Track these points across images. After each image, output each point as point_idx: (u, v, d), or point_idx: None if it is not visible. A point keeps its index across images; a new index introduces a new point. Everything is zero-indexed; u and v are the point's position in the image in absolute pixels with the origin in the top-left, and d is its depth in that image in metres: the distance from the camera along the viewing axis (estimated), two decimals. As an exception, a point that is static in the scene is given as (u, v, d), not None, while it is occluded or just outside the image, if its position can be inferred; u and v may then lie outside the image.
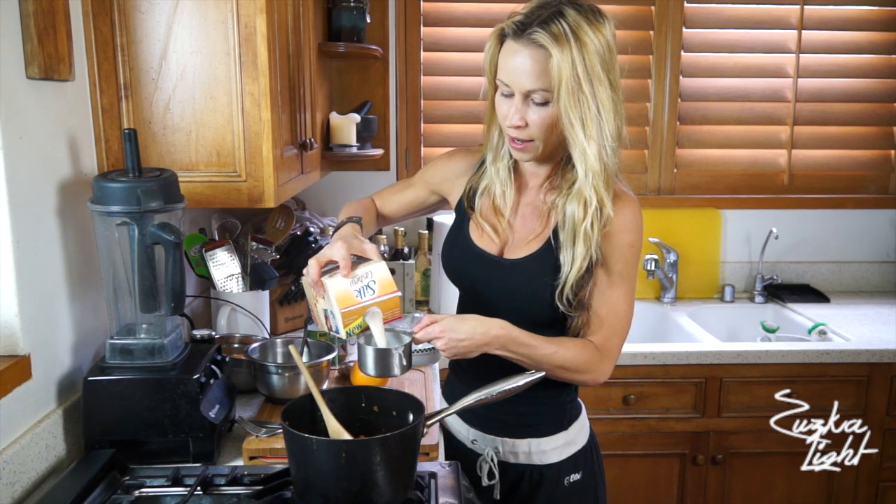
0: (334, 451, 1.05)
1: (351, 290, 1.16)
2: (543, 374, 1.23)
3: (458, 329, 1.20)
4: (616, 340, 1.30)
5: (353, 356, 1.79)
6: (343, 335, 1.17)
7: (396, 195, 1.54)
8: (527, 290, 1.30)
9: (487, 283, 1.35)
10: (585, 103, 1.16)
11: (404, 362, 1.18)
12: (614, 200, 1.25)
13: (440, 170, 1.48)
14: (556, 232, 1.28)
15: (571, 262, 1.24)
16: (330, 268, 1.20)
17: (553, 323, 1.31)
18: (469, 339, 1.20)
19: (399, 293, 1.19)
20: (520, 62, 1.18)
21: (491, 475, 1.38)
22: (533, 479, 1.39)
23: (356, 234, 1.25)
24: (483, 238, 1.36)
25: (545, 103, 1.19)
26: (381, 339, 1.17)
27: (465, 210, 1.40)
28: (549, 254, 1.28)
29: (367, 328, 1.17)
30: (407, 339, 1.19)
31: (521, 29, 1.17)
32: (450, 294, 2.30)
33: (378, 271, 1.18)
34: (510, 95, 1.22)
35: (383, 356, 1.17)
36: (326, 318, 1.21)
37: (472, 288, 1.41)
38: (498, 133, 1.33)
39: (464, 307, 1.45)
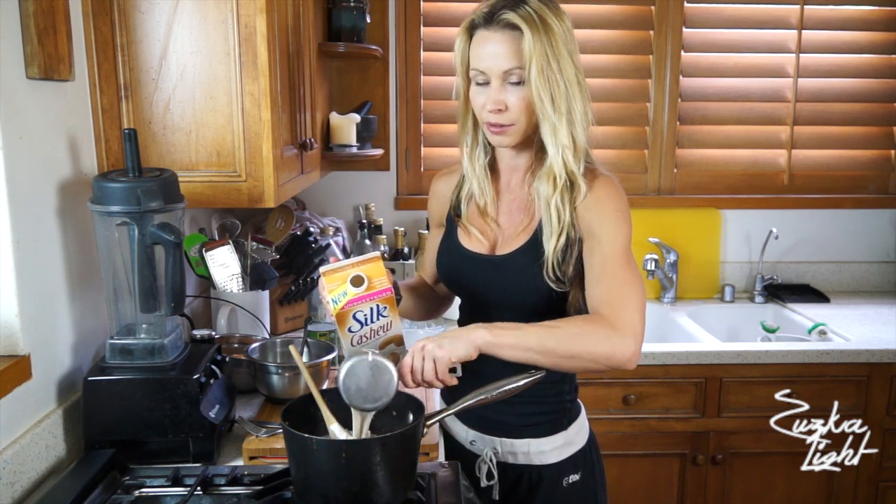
0: (334, 451, 1.05)
1: (338, 262, 1.19)
2: (544, 373, 1.22)
3: (428, 345, 1.15)
4: (629, 310, 1.20)
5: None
6: (332, 311, 1.15)
7: (426, 256, 1.56)
8: (521, 283, 1.30)
9: (482, 283, 1.35)
10: (554, 80, 1.21)
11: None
12: (591, 179, 1.27)
13: (433, 203, 1.50)
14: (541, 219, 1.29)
15: (550, 237, 1.26)
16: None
17: (552, 313, 1.31)
18: (443, 337, 1.16)
19: (379, 254, 1.19)
20: (493, 47, 1.23)
21: (490, 476, 1.38)
22: (532, 479, 1.39)
23: None
24: (472, 241, 1.37)
25: (521, 83, 1.23)
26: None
27: (452, 219, 1.42)
28: (537, 243, 1.29)
29: (354, 298, 1.14)
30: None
31: (491, 16, 1.23)
32: (450, 294, 2.31)
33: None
34: (486, 83, 1.25)
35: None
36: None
37: (468, 290, 1.41)
38: (471, 134, 1.35)
39: (463, 312, 1.46)
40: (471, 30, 1.26)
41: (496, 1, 1.23)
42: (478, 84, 1.26)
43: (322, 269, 1.18)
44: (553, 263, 1.26)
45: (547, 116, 1.22)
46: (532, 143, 1.31)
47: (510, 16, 1.20)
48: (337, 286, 1.15)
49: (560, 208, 1.25)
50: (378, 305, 1.17)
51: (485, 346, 1.16)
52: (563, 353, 1.18)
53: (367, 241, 2.48)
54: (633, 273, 1.25)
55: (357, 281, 1.16)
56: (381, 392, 1.10)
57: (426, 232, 2.51)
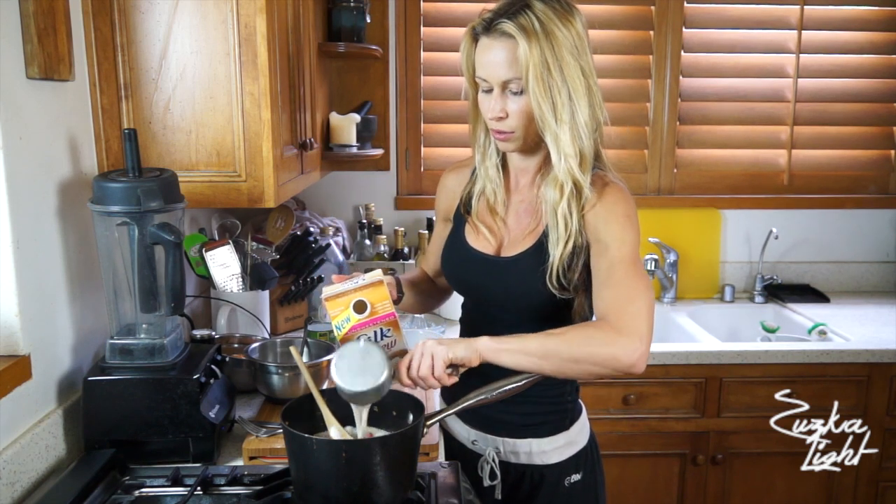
0: (334, 451, 1.05)
1: (339, 284, 1.18)
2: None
3: (430, 342, 1.16)
4: (634, 314, 1.18)
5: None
6: (337, 336, 1.17)
7: (430, 249, 1.56)
8: (525, 286, 1.30)
9: (487, 284, 1.35)
10: (556, 88, 1.19)
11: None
12: (600, 186, 1.26)
13: (441, 197, 1.50)
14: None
15: (556, 243, 1.25)
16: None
17: (556, 316, 1.30)
18: (447, 339, 1.17)
19: (381, 277, 1.18)
20: (492, 56, 1.21)
21: (493, 475, 1.38)
22: (534, 479, 1.39)
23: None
24: (479, 240, 1.37)
25: (521, 92, 1.22)
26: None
27: (461, 216, 1.41)
28: (542, 247, 1.28)
29: (357, 324, 1.16)
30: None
31: (490, 24, 1.21)
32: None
33: (370, 274, 1.18)
34: (490, 91, 1.25)
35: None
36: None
37: (472, 290, 1.41)
38: (484, 132, 1.35)
39: (467, 311, 1.46)
40: (474, 36, 1.25)
41: (500, 6, 1.22)
42: (483, 90, 1.26)
43: (324, 292, 1.18)
44: (558, 271, 1.25)
45: (548, 125, 1.21)
46: (541, 146, 1.30)
47: (507, 26, 1.18)
48: (340, 312, 1.16)
49: (567, 216, 1.24)
50: (381, 329, 1.18)
51: (486, 351, 1.17)
52: (566, 357, 1.16)
53: (367, 241, 2.49)
54: (640, 278, 1.23)
55: (360, 307, 1.16)
56: (371, 372, 1.08)
57: (426, 232, 2.52)
